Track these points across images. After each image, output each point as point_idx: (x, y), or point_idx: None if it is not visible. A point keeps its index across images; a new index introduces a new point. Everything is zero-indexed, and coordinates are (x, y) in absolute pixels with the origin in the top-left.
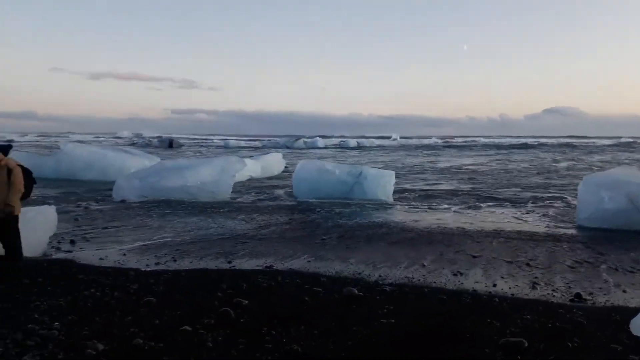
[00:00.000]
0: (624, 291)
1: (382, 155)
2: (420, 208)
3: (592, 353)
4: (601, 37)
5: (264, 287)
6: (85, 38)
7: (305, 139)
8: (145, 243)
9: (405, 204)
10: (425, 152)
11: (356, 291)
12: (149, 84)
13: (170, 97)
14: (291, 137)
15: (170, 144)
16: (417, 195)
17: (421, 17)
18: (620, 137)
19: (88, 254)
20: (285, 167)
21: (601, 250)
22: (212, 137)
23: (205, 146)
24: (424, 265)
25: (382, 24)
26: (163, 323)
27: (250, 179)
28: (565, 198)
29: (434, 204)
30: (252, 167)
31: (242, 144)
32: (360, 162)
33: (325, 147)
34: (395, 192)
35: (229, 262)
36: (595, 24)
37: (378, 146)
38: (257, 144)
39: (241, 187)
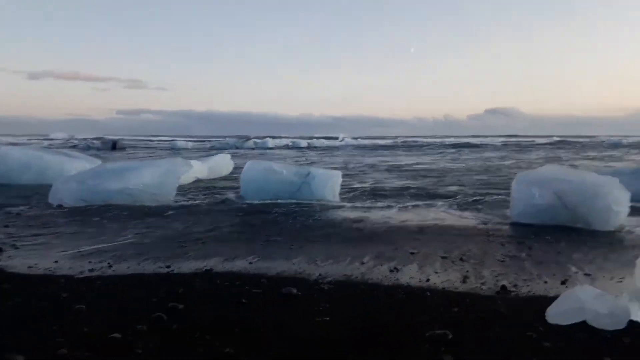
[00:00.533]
0: (545, 282)
1: (332, 156)
2: (365, 207)
3: (510, 340)
4: (538, 41)
5: (201, 291)
6: (24, 36)
7: (255, 140)
8: (80, 249)
9: (351, 203)
10: (374, 152)
11: (295, 291)
12: (93, 84)
13: (116, 98)
14: (241, 138)
15: (113, 145)
16: (364, 194)
17: (370, 20)
18: (552, 136)
19: (16, 262)
20: (234, 168)
21: (529, 244)
22: (159, 138)
23: (152, 147)
24: (363, 263)
25: (332, 26)
26: (92, 331)
27: (197, 181)
28: (502, 195)
29: (380, 202)
30: (199, 169)
31: (190, 145)
32: (310, 163)
33: (276, 148)
34: (343, 191)
35: (168, 267)
36: (532, 28)
37: (328, 146)
38: (205, 145)
39: (187, 190)
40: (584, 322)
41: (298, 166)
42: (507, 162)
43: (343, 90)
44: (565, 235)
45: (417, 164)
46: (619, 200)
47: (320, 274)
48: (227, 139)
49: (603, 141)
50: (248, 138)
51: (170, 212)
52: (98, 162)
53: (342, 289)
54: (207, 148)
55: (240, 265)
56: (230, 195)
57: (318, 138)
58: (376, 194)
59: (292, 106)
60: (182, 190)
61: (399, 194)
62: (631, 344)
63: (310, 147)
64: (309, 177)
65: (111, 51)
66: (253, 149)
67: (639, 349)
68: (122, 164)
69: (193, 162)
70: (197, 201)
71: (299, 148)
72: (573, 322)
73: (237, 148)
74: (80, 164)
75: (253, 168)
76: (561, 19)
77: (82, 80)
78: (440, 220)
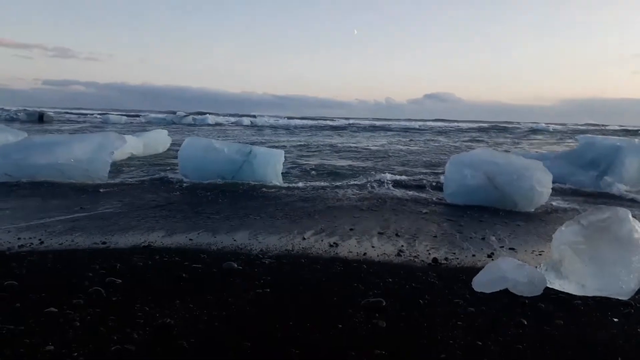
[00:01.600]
0: (473, 255)
1: (276, 135)
2: (308, 185)
3: (438, 307)
4: (475, 32)
5: (140, 266)
6: None
7: (194, 116)
8: (7, 226)
9: (294, 181)
10: (318, 131)
11: (236, 265)
12: (14, 51)
13: (42, 67)
14: (179, 114)
15: (40, 117)
16: (307, 173)
17: (316, 1)
18: (486, 121)
19: None
20: (172, 144)
21: (460, 221)
22: (90, 112)
23: (82, 121)
24: (304, 239)
25: (278, 5)
26: (25, 306)
27: (132, 157)
28: (439, 176)
29: (322, 181)
30: (134, 144)
31: (124, 119)
32: (253, 141)
33: (217, 125)
34: (287, 170)
35: (104, 243)
36: (471, 20)
37: (272, 125)
38: (141, 119)
39: (121, 166)
40: (506, 290)
41: (239, 144)
42: (443, 145)
43: (288, 70)
44: (494, 213)
45: (361, 145)
46: (542, 181)
47: (261, 250)
48: (164, 114)
49: (531, 127)
50: (187, 114)
51: (103, 189)
52: (24, 134)
53: (283, 263)
54: (143, 123)
55: (179, 241)
56: (168, 172)
57: (262, 116)
58: (319, 172)
59: (234, 83)
60: (116, 166)
61: (341, 173)
62: (545, 308)
63: (253, 125)
64: (251, 156)
65: (35, 16)
66: (192, 125)
67: (551, 312)
68: (51, 137)
69: (127, 137)
70: (133, 178)
71: (242, 126)
72: (496, 290)
73: (174, 124)
74: (3, 136)
75: (192, 145)
76: (497, 13)
77: (2, 47)
78: (379, 199)
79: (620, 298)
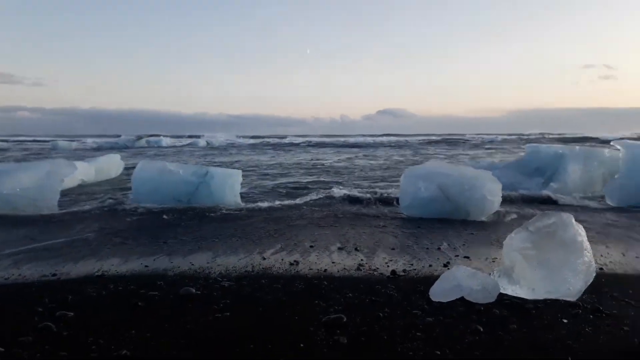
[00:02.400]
0: (430, 265)
1: (232, 154)
2: (268, 204)
3: (398, 319)
4: (426, 47)
5: (93, 297)
6: None
7: (148, 139)
8: None
9: (253, 201)
10: (275, 150)
11: (194, 290)
12: None
13: None
14: (132, 137)
15: None
16: (266, 192)
17: (268, 21)
18: (437, 135)
19: None
20: (125, 169)
21: (417, 233)
22: (37, 138)
23: (30, 148)
24: (264, 259)
25: (229, 25)
26: None
27: (83, 184)
28: (395, 189)
29: (282, 199)
30: (85, 171)
31: (74, 145)
32: (210, 162)
33: (172, 147)
34: (245, 190)
35: (54, 275)
36: (420, 37)
37: (229, 144)
38: (91, 144)
39: (71, 194)
40: (462, 298)
41: (195, 165)
42: (399, 159)
43: (242, 90)
44: (448, 224)
45: (317, 161)
46: (492, 191)
47: (220, 272)
48: (116, 138)
49: (482, 138)
50: (140, 137)
51: (53, 219)
52: None
53: (242, 285)
54: (94, 148)
55: (135, 268)
56: (122, 198)
57: (217, 136)
58: (278, 191)
59: (187, 104)
60: (67, 194)
61: (300, 190)
62: (499, 314)
63: (210, 146)
64: (208, 177)
65: None
66: (146, 148)
67: (505, 317)
68: None
69: (78, 164)
70: (84, 206)
71: (198, 147)
72: (452, 298)
73: (127, 147)
74: None
75: (145, 168)
76: (446, 29)
77: None
78: (338, 214)
79: (568, 299)
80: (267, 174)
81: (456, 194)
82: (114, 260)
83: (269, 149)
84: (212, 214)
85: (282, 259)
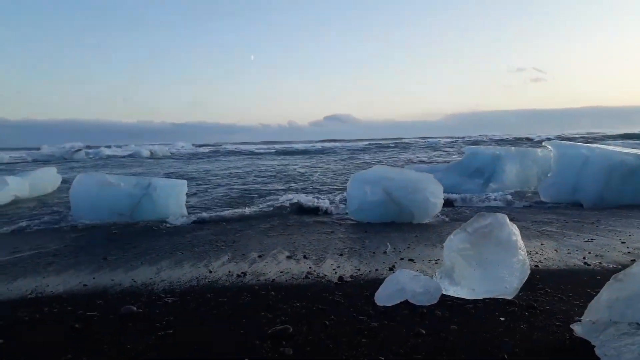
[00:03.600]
0: (376, 270)
1: (177, 164)
2: (215, 215)
3: (344, 326)
4: (368, 55)
5: (26, 321)
6: None
7: (87, 150)
8: None
9: (200, 212)
10: (223, 158)
11: (135, 308)
12: None
13: None
14: (70, 148)
15: None
16: (214, 202)
17: (213, 25)
18: (382, 139)
19: None
20: (62, 182)
21: (364, 238)
22: None
23: None
24: (210, 272)
25: (175, 30)
26: None
27: (16, 200)
28: (343, 193)
29: (229, 208)
30: (18, 186)
31: (7, 158)
32: (153, 173)
33: (113, 157)
34: (191, 200)
35: None
36: (364, 43)
37: (173, 154)
38: (26, 157)
39: (3, 211)
40: (406, 301)
41: (137, 177)
42: (346, 164)
43: (186, 97)
44: (394, 227)
45: (263, 168)
46: (435, 193)
47: (164, 288)
48: (52, 149)
49: (424, 141)
50: (79, 148)
51: None
52: None
53: (187, 300)
54: (29, 161)
55: (72, 288)
56: (59, 214)
57: (160, 145)
58: (226, 201)
59: (129, 112)
60: None
61: (249, 199)
62: (441, 315)
63: (153, 156)
64: (151, 188)
65: None
66: (85, 160)
67: (447, 318)
68: None
69: (9, 179)
70: (19, 224)
71: (142, 157)
72: (396, 302)
73: (65, 160)
74: None
75: (84, 182)
76: (386, 37)
77: None
78: (288, 222)
79: (505, 297)
80: (215, 183)
81: (401, 196)
82: (50, 281)
83: (216, 156)
84: (156, 228)
85: (229, 271)
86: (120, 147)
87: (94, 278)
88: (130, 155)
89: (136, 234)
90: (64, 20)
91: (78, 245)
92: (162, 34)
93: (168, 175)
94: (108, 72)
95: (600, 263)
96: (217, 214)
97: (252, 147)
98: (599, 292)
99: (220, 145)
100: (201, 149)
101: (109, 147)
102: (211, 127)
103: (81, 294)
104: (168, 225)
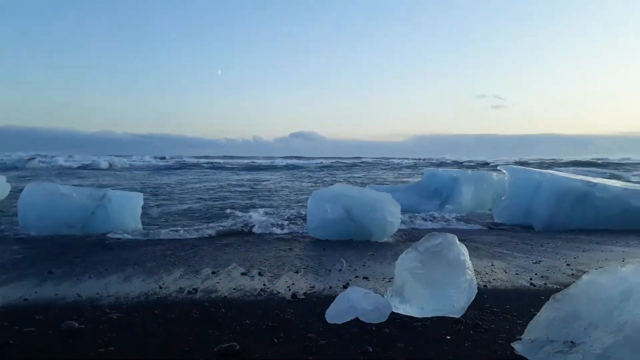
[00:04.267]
0: (330, 287)
1: (137, 176)
2: (172, 230)
3: (292, 343)
4: (334, 74)
5: None
6: None
7: (41, 159)
8: None
9: (156, 226)
10: (185, 171)
11: (77, 324)
12: None
13: None
14: (22, 157)
15: None
16: (171, 216)
17: (178, 37)
18: (346, 158)
19: None
20: (11, 192)
21: (322, 255)
22: None
23: None
24: (160, 288)
25: (140, 41)
26: None
27: None
28: (303, 211)
29: (188, 223)
30: None
31: None
32: (110, 185)
33: (69, 168)
34: (147, 214)
35: None
36: (329, 62)
37: (133, 166)
38: None
39: None
40: (356, 319)
41: (92, 188)
42: (309, 182)
43: (150, 108)
44: (352, 245)
45: (225, 183)
46: (393, 212)
47: (110, 304)
48: (3, 158)
49: (388, 162)
50: (32, 157)
51: None
52: None
53: (133, 317)
54: None
55: (12, 303)
56: (5, 225)
57: (120, 157)
58: (184, 215)
59: (89, 121)
60: None
61: (208, 214)
62: (390, 333)
63: (112, 168)
64: (105, 200)
65: None
66: (38, 169)
67: (395, 336)
68: None
69: None
70: None
71: (100, 169)
72: (347, 320)
73: (16, 169)
74: None
75: (34, 191)
76: (353, 57)
77: None
78: (246, 238)
79: (453, 316)
80: (175, 197)
81: (360, 215)
82: None
83: (179, 170)
84: (109, 241)
85: (180, 287)
86: (76, 157)
87: (36, 292)
88: (87, 166)
89: (86, 247)
90: (17, 20)
91: (23, 258)
92: (125, 42)
93: (126, 188)
94: (69, 79)
95: (545, 284)
96: (174, 228)
97: (217, 161)
98: None
99: (184, 159)
100: (164, 162)
101: (64, 156)
102: (176, 140)
103: (21, 309)
104: (121, 238)
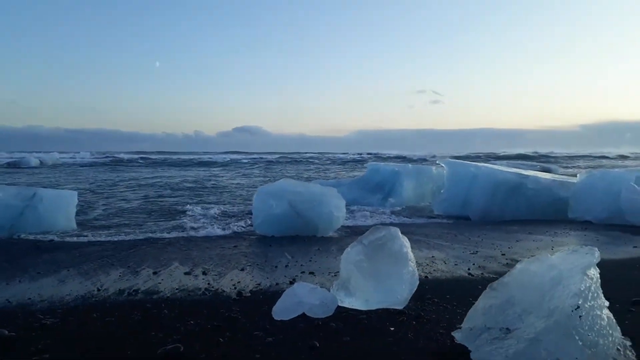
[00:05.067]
0: (277, 284)
1: (70, 174)
2: (108, 230)
3: (238, 342)
4: (278, 68)
5: None
6: None
7: None
8: None
9: (93, 226)
10: (125, 168)
11: (7, 332)
12: None
13: None
14: None
15: None
16: (110, 214)
17: (113, 29)
18: (292, 153)
19: None
20: None
21: (268, 252)
22: None
23: None
24: (99, 290)
25: (74, 28)
26: None
27: None
28: (249, 207)
29: (127, 222)
30: None
31: None
32: (42, 183)
33: None
34: (83, 214)
35: None
36: (273, 57)
37: (66, 164)
38: None
39: None
40: (303, 314)
41: (20, 187)
42: (255, 178)
43: (81, 101)
44: (298, 240)
45: (167, 179)
46: (338, 206)
47: (43, 309)
48: None
49: (333, 157)
50: None
51: None
52: None
53: (68, 321)
54: None
55: None
56: None
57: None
58: (123, 214)
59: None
60: None
61: (148, 212)
62: (336, 327)
63: (43, 165)
64: (36, 199)
65: None
66: None
67: (341, 330)
68: None
69: None
70: None
71: (29, 167)
72: (294, 315)
73: None
74: None
75: None
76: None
77: None
78: (191, 236)
79: (396, 307)
80: (111, 196)
81: (305, 210)
82: None
83: (117, 166)
84: (40, 243)
85: (120, 289)
86: (2, 154)
87: None
88: (14, 164)
89: (15, 250)
90: None
91: None
92: (54, 32)
93: (59, 187)
94: None
95: (482, 274)
96: (113, 228)
97: (157, 157)
98: None
99: (121, 154)
100: (102, 158)
101: None
102: (111, 135)
103: None
104: (55, 239)
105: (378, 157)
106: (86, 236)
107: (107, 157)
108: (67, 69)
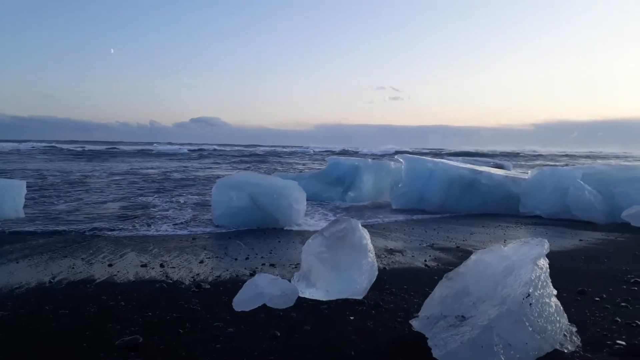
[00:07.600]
0: (237, 276)
1: (17, 162)
2: (59, 220)
3: (199, 333)
4: (240, 59)
5: None
6: None
7: None
8: None
9: (44, 218)
10: (73, 157)
11: None
12: None
13: None
14: None
15: None
16: (61, 206)
17: (65, 15)
18: (255, 146)
19: None
20: None
21: (227, 244)
22: None
23: None
24: (51, 282)
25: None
26: None
27: None
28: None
29: (80, 214)
30: None
31: None
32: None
33: None
34: (31, 204)
35: None
36: (233, 48)
37: (12, 151)
38: None
39: None
40: (264, 305)
41: None
42: (215, 170)
43: (32, 88)
44: (258, 233)
45: (123, 170)
46: (298, 199)
47: None
48: None
49: (295, 150)
50: None
51: None
52: None
53: (19, 315)
54: None
55: None
56: None
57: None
58: (77, 205)
59: None
60: None
61: (100, 204)
62: (297, 317)
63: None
64: None
65: None
66: None
67: (302, 320)
68: None
69: None
70: None
71: None
72: (255, 306)
73: None
74: None
75: None
76: (257, 45)
77: None
78: (148, 229)
79: (356, 297)
80: (61, 186)
81: (266, 203)
82: None
83: (68, 156)
84: None
85: (73, 281)
86: None
87: None
88: None
89: None
90: None
91: None
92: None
93: (5, 175)
94: None
95: (438, 265)
96: (65, 219)
97: (110, 147)
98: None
99: (73, 144)
100: (49, 145)
101: None
102: (62, 123)
103: None
104: (4, 230)
105: (340, 151)
106: (36, 227)
107: (64, 145)
108: (16, 53)
